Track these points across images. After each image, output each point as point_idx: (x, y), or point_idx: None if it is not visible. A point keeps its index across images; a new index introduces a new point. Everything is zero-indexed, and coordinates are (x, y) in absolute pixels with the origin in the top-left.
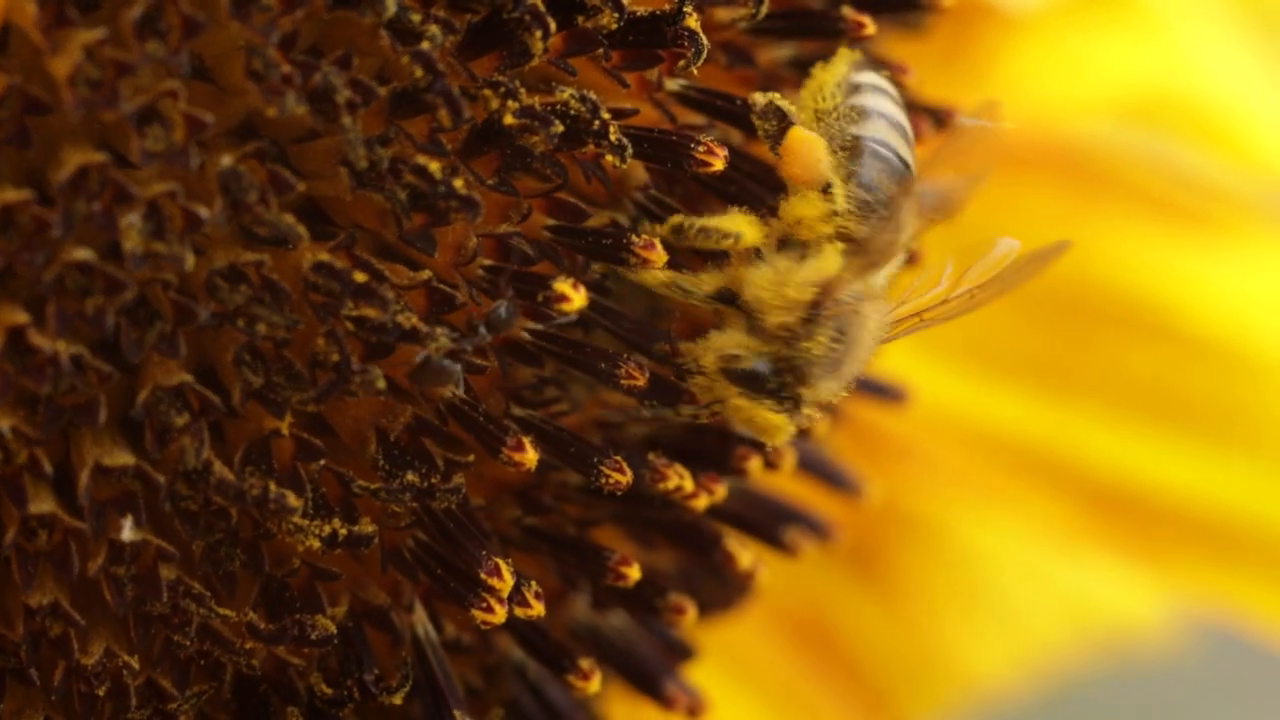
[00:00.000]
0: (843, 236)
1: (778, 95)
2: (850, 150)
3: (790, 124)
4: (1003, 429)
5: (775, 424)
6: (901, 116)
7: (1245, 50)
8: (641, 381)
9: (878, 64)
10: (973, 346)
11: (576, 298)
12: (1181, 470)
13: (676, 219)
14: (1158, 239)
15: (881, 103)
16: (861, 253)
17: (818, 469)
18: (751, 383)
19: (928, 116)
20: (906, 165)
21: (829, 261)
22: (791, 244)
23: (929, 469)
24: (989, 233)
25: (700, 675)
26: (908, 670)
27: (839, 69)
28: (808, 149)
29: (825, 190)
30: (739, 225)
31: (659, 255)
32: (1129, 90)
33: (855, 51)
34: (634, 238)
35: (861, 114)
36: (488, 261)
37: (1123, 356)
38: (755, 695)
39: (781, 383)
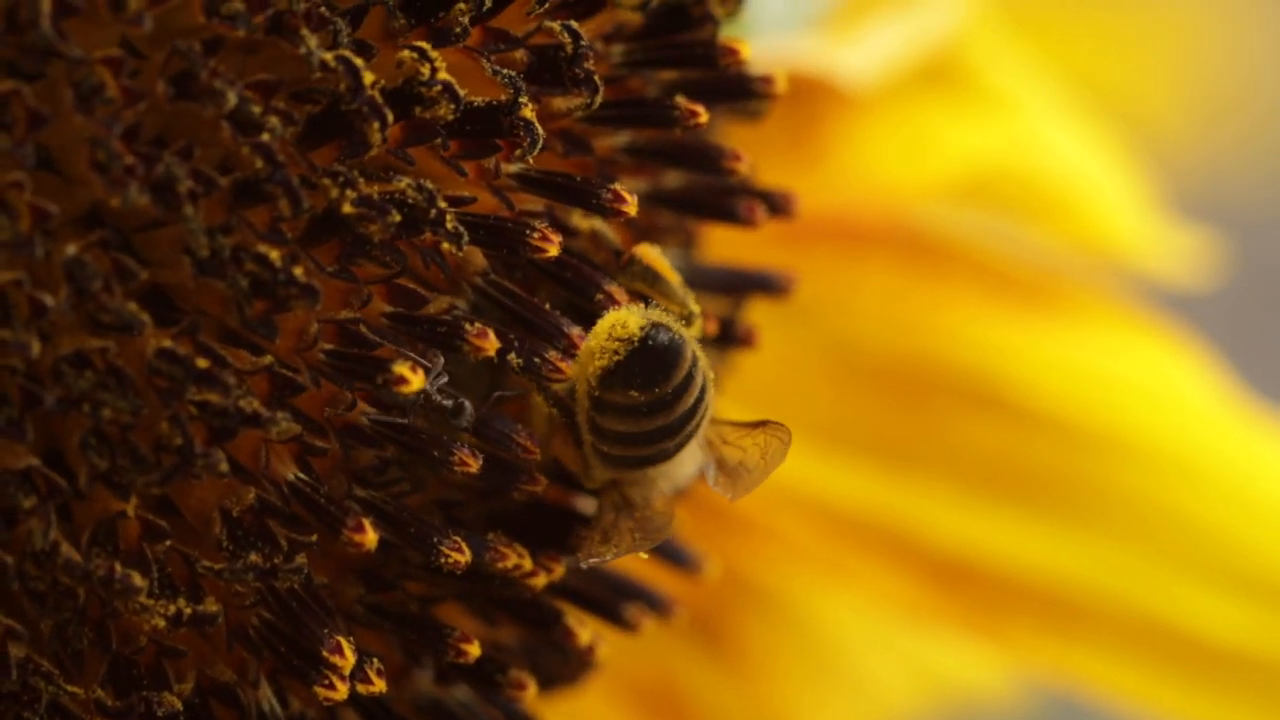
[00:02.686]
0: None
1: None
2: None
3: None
4: (844, 503)
5: None
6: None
7: (1084, 123)
8: (474, 468)
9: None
10: (811, 422)
11: (415, 380)
12: (1019, 543)
13: None
14: (995, 315)
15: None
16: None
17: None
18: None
19: (762, 202)
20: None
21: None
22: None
23: (772, 543)
24: (828, 313)
25: None
26: None
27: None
28: None
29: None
30: None
31: (491, 343)
32: (970, 167)
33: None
34: (468, 325)
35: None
36: (329, 346)
37: (963, 431)
38: None
39: None
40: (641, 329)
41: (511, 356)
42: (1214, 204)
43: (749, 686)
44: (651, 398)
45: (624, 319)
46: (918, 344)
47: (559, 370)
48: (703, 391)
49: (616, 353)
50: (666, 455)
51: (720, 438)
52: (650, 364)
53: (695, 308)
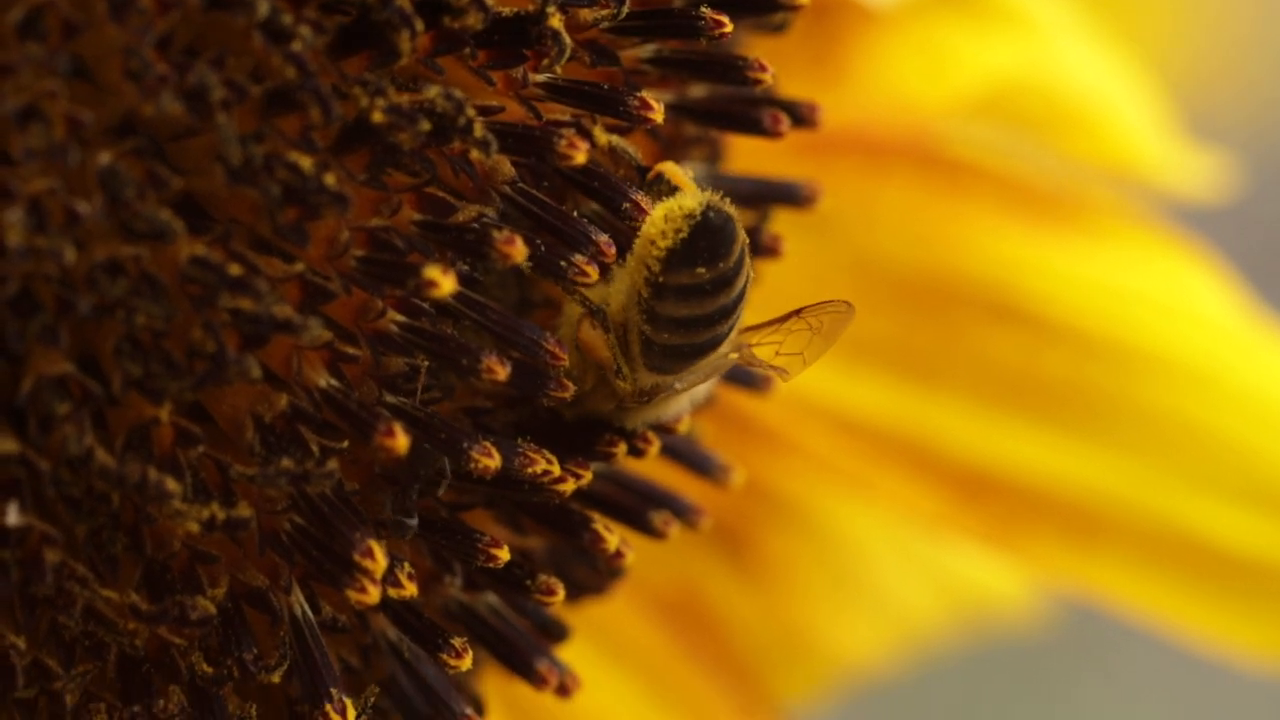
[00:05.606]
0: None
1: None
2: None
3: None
4: (864, 415)
5: None
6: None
7: (1103, 44)
8: (502, 375)
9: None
10: None
11: (445, 282)
12: (1038, 455)
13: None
14: (1014, 229)
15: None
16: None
17: (682, 455)
18: None
19: (786, 112)
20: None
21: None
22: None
23: (795, 455)
24: (849, 225)
25: (574, 654)
26: (778, 649)
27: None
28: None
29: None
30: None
31: (519, 250)
32: (990, 84)
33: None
34: (496, 232)
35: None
36: (359, 253)
37: (982, 344)
38: (628, 674)
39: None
40: (700, 204)
41: (530, 265)
42: (1224, 123)
43: (770, 596)
44: (716, 273)
45: (679, 201)
46: (937, 257)
47: (585, 275)
48: (749, 271)
49: (680, 230)
50: (718, 342)
51: (751, 341)
52: (714, 238)
53: None
